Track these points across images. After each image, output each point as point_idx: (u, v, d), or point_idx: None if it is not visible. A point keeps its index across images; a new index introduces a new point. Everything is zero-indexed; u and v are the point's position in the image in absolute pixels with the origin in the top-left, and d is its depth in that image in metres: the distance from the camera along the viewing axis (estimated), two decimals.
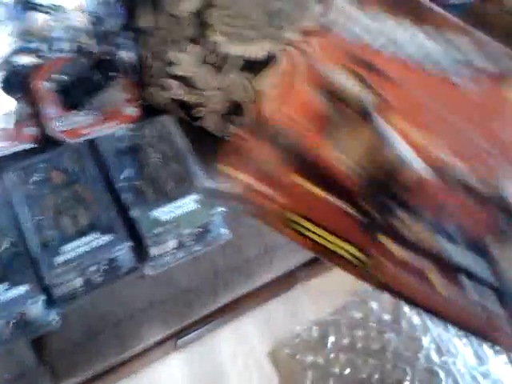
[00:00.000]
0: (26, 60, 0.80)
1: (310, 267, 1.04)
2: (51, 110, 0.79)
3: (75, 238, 0.69)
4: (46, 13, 0.79)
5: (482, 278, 0.45)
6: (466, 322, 0.47)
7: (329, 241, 0.46)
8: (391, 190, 0.45)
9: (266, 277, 0.97)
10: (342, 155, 0.45)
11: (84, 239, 0.70)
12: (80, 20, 0.81)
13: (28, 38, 0.79)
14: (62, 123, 0.79)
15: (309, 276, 1.08)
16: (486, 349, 0.86)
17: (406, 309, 0.91)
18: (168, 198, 0.75)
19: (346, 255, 0.46)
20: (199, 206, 0.75)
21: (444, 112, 0.44)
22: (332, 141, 0.44)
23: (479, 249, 0.45)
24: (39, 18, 0.80)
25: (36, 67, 0.80)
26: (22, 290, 0.65)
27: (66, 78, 0.80)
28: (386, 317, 0.90)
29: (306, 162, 0.45)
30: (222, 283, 0.87)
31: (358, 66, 0.45)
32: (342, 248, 0.46)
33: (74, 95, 0.81)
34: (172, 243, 0.74)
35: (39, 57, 0.80)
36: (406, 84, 0.44)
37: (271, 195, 0.45)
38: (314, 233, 0.46)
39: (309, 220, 0.46)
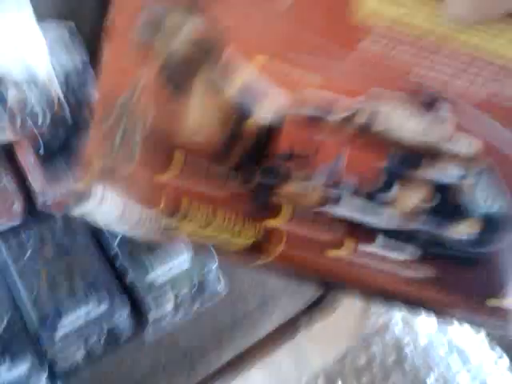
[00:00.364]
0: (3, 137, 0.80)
1: (311, 312, 1.03)
2: (37, 184, 0.79)
3: (73, 309, 0.69)
4: (20, 88, 0.81)
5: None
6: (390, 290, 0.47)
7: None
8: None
9: (269, 327, 0.96)
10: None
11: (82, 310, 0.69)
12: (53, 91, 0.83)
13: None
14: (49, 196, 0.79)
15: (311, 321, 1.07)
16: None
17: (408, 349, 0.90)
18: (163, 259, 0.75)
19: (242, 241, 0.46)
20: (192, 263, 0.76)
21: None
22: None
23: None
24: (12, 94, 0.81)
25: (16, 143, 0.81)
26: (23, 369, 0.63)
27: (47, 149, 0.81)
28: (390, 359, 0.90)
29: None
30: (224, 339, 0.86)
31: None
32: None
33: (57, 166, 0.81)
34: (170, 305, 0.74)
35: (17, 131, 0.81)
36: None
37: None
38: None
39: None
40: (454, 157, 0.44)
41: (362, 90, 0.43)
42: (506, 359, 0.94)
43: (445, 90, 0.42)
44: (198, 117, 0.43)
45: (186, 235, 0.47)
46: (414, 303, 0.48)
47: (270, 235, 0.47)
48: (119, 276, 0.74)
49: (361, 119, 0.44)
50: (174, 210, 0.45)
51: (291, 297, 0.93)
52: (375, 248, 0.47)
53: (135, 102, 0.44)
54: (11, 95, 0.81)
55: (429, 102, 0.43)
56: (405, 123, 0.43)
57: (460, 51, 0.41)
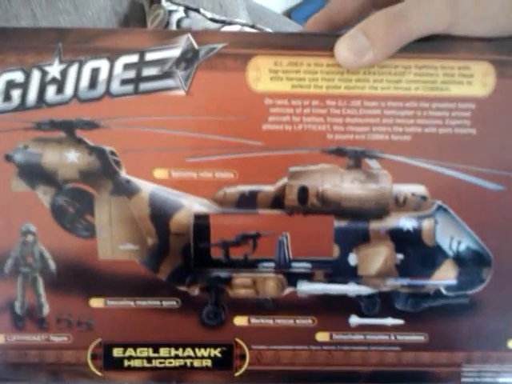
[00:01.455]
0: None
1: None
2: None
3: None
4: None
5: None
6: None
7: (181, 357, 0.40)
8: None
9: None
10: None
11: None
12: None
13: None
14: None
15: None
16: None
17: None
18: None
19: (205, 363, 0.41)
20: None
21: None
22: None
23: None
24: None
25: None
26: None
27: None
28: None
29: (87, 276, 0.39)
30: None
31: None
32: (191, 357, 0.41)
33: None
34: None
35: None
36: None
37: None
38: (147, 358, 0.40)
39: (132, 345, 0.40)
40: (402, 206, 0.40)
41: (282, 171, 0.39)
42: None
43: (366, 144, 0.38)
44: (113, 237, 0.40)
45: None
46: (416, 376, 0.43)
47: (232, 348, 0.42)
48: None
49: (292, 198, 0.40)
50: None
51: None
52: (351, 333, 0.42)
53: (29, 252, 0.40)
54: None
55: (355, 161, 0.39)
56: (340, 187, 0.40)
57: (364, 104, 0.38)
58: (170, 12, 1.03)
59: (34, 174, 0.38)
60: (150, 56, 0.37)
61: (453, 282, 0.40)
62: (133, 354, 0.41)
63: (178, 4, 1.06)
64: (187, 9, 1.05)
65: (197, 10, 1.07)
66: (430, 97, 0.37)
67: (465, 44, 0.36)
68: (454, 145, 0.38)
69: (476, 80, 0.37)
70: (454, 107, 0.37)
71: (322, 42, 0.36)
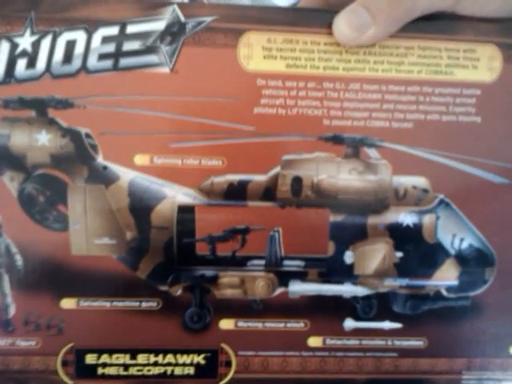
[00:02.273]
0: None
1: None
2: None
3: None
4: None
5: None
6: None
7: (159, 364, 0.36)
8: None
9: None
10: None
11: None
12: None
13: None
14: None
15: None
16: None
17: None
18: None
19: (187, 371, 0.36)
20: None
21: None
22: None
23: None
24: None
25: None
26: None
27: None
28: None
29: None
30: None
31: None
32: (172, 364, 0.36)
33: None
34: None
35: None
36: None
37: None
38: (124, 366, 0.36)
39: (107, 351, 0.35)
40: (402, 200, 0.36)
41: (275, 160, 0.35)
42: None
43: (365, 131, 0.34)
44: (88, 230, 0.35)
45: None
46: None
47: (217, 355, 0.37)
48: None
49: (284, 189, 0.36)
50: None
51: None
52: (346, 337, 0.38)
53: None
54: None
55: (353, 149, 0.35)
56: (336, 178, 0.35)
57: (364, 87, 0.34)
58: None
59: (0, 157, 0.33)
60: (131, 28, 0.32)
61: (454, 282, 0.36)
62: (108, 360, 0.36)
63: None
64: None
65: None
66: (434, 81, 0.34)
67: (471, 25, 0.33)
68: (458, 134, 0.35)
69: (482, 64, 0.34)
70: (459, 93, 0.34)
71: (319, 18, 0.33)
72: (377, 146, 0.35)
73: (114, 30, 0.32)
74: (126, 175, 0.33)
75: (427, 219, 0.35)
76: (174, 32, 0.32)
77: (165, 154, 0.33)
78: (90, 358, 0.35)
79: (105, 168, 0.33)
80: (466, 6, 0.32)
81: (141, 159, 0.33)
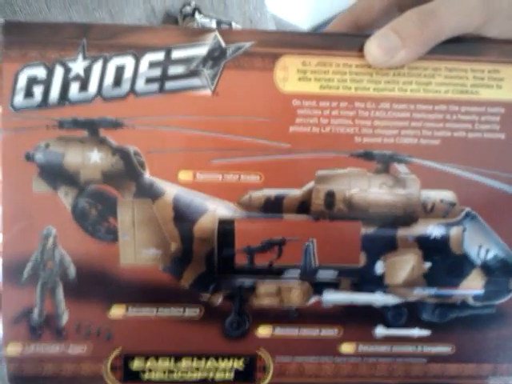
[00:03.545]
0: None
1: None
2: None
3: None
4: None
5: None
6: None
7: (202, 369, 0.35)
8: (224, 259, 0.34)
9: None
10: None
11: None
12: None
13: None
14: None
15: None
16: None
17: None
18: None
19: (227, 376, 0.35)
20: None
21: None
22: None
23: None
24: None
25: None
26: None
27: None
28: None
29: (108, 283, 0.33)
30: None
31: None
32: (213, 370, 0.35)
33: None
34: None
35: None
36: None
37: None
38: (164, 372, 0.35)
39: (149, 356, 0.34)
40: (430, 213, 0.36)
41: (309, 175, 0.35)
42: None
43: (395, 148, 0.34)
44: (136, 241, 0.34)
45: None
46: None
47: (255, 360, 0.37)
48: None
49: (318, 203, 0.35)
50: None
51: None
52: (377, 344, 0.37)
53: (49, 256, 0.35)
54: None
55: (383, 165, 0.35)
56: (367, 192, 0.35)
57: (393, 107, 0.34)
58: (203, 25, 1.00)
59: (56, 174, 0.33)
60: (176, 54, 0.32)
61: (480, 291, 0.35)
62: (153, 365, 0.35)
63: (211, 17, 1.03)
64: (219, 22, 1.02)
65: (229, 24, 1.04)
66: (460, 100, 0.33)
67: (495, 47, 0.32)
68: (484, 150, 0.33)
69: (506, 84, 0.33)
70: (484, 111, 0.33)
71: (351, 41, 0.32)
72: (406, 162, 0.34)
73: (159, 56, 0.32)
74: (170, 190, 0.33)
75: (454, 231, 0.35)
76: (215, 57, 0.32)
77: (207, 170, 0.33)
78: (137, 363, 0.35)
79: (151, 184, 0.33)
80: (492, 28, 0.31)
81: (184, 175, 0.33)
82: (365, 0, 0.36)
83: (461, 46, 0.32)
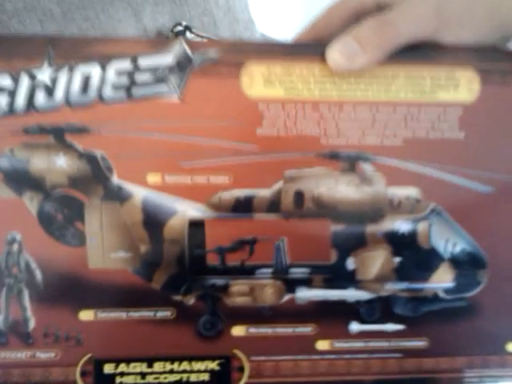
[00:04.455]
0: None
1: None
2: None
3: None
4: None
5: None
6: None
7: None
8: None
9: None
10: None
11: None
12: None
13: None
14: None
15: None
16: None
17: None
18: None
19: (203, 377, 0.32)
20: None
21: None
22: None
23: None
24: None
25: None
26: None
27: None
28: None
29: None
30: None
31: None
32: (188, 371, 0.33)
33: None
34: None
35: None
36: None
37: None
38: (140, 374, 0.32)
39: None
40: (397, 209, 0.35)
41: (278, 175, 0.34)
42: None
43: (359, 148, 0.33)
44: (104, 245, 0.33)
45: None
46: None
47: (231, 361, 0.35)
48: None
49: (287, 202, 0.34)
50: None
51: None
52: (352, 340, 0.36)
53: (14, 262, 0.33)
54: None
55: (349, 164, 0.34)
56: (335, 191, 0.34)
57: (356, 109, 0.33)
58: None
59: (21, 179, 0.31)
60: (142, 62, 0.31)
61: (450, 284, 0.34)
62: (125, 369, 0.33)
63: (202, 37, 1.03)
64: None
65: None
66: (420, 102, 0.32)
67: (450, 52, 0.32)
68: (444, 148, 0.33)
69: (462, 86, 0.33)
70: (443, 112, 0.33)
71: (313, 49, 0.32)
72: (371, 161, 0.33)
73: (126, 64, 0.31)
74: (139, 193, 0.32)
75: (421, 226, 0.34)
76: (181, 65, 0.31)
77: (175, 172, 0.32)
78: (108, 368, 0.33)
79: (119, 187, 0.32)
80: (445, 35, 0.32)
81: (153, 178, 0.32)
82: (325, 15, 0.35)
83: (418, 52, 0.32)
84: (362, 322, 0.33)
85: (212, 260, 0.32)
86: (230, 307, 0.32)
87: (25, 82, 0.30)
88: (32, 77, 0.30)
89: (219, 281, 0.32)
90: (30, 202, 0.31)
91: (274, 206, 0.32)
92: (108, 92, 0.30)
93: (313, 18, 0.36)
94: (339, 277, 0.33)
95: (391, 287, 0.33)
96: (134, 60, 0.30)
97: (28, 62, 0.30)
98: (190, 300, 0.32)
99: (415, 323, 0.33)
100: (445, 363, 0.34)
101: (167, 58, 0.30)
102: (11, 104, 0.30)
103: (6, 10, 0.47)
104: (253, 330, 0.33)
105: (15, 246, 0.30)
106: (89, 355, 0.32)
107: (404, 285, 0.33)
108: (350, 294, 0.33)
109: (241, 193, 0.31)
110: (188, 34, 1.04)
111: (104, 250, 0.31)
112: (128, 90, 0.30)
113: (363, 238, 0.32)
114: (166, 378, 0.32)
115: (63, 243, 0.31)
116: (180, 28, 1.03)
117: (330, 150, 0.32)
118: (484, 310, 0.34)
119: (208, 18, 0.63)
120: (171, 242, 0.31)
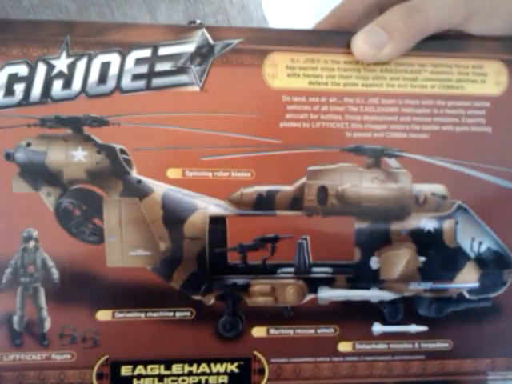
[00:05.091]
0: None
1: None
2: None
3: None
4: None
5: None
6: None
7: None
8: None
9: None
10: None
11: None
12: None
13: None
14: None
15: None
16: None
17: None
18: None
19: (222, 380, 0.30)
20: None
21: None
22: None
23: None
24: None
25: None
26: None
27: None
28: None
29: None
30: None
31: None
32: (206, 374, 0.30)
33: None
34: None
35: None
36: None
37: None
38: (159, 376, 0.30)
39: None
40: (422, 206, 0.32)
41: (301, 171, 0.32)
42: None
43: (385, 143, 0.31)
44: (123, 242, 0.30)
45: None
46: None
47: (251, 363, 0.33)
48: None
49: (311, 198, 0.32)
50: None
51: None
52: (374, 342, 0.33)
53: (30, 259, 0.30)
54: None
55: (374, 160, 0.32)
56: (360, 187, 0.32)
57: (382, 102, 0.31)
58: None
59: (37, 173, 0.29)
60: (163, 51, 0.29)
61: (475, 284, 0.32)
62: (143, 372, 0.31)
63: None
64: None
65: None
66: (446, 95, 0.30)
67: (478, 43, 0.30)
68: (471, 143, 0.31)
69: (489, 79, 0.30)
70: (470, 105, 0.30)
71: (338, 38, 0.29)
72: (396, 156, 0.31)
73: (146, 53, 0.29)
74: (159, 188, 0.29)
75: (447, 224, 0.32)
76: (203, 53, 0.29)
77: (196, 168, 0.29)
78: (125, 370, 0.30)
79: (139, 182, 0.29)
80: (474, 24, 0.29)
81: (173, 173, 0.29)
82: (346, 3, 0.33)
83: (445, 42, 0.30)
84: (385, 323, 0.31)
85: (233, 258, 0.30)
86: (250, 307, 0.30)
87: (42, 71, 0.27)
88: (49, 66, 0.27)
89: (240, 280, 0.30)
90: (47, 198, 0.28)
91: (296, 202, 0.30)
92: (127, 82, 0.28)
93: (334, 6, 0.34)
94: (362, 276, 0.30)
95: (415, 287, 0.31)
96: (155, 49, 0.28)
97: (45, 50, 0.27)
98: (210, 300, 0.30)
99: (438, 324, 0.31)
100: (468, 365, 0.32)
101: (189, 47, 0.28)
102: (27, 94, 0.27)
103: (22, 6, 0.45)
104: (273, 331, 0.30)
105: (32, 244, 0.27)
106: (105, 357, 0.29)
107: (428, 285, 0.31)
108: (374, 295, 0.31)
109: (263, 189, 0.29)
110: None
111: (123, 247, 0.28)
112: (148, 79, 0.28)
113: (388, 236, 0.30)
114: (184, 380, 0.30)
115: (81, 240, 0.28)
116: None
117: (355, 144, 0.29)
118: (508, 311, 0.31)
119: (222, 16, 0.61)
120: (191, 239, 0.29)
